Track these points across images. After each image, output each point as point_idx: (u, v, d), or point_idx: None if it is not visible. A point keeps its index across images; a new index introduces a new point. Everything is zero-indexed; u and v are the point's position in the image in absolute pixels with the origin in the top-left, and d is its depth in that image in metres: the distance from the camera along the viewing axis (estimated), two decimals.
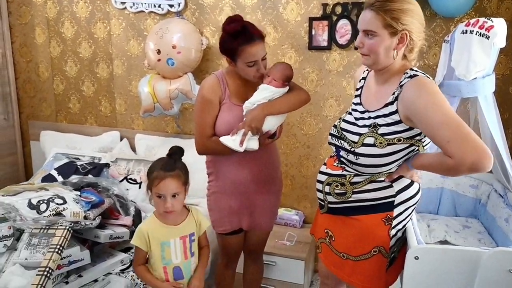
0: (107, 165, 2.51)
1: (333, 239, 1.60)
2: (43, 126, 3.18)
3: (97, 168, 2.44)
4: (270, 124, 1.72)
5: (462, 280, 1.37)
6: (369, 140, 1.40)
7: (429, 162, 1.37)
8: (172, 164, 1.60)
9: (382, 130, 1.39)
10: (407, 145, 1.39)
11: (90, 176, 2.35)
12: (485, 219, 2.12)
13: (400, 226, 1.51)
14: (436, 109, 1.28)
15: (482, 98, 1.82)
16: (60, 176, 2.39)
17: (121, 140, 2.98)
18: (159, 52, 2.50)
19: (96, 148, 2.93)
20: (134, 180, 2.59)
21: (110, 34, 2.91)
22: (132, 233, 2.05)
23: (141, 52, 2.86)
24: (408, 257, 1.41)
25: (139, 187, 2.58)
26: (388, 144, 1.38)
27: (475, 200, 2.22)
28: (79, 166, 2.44)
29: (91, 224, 1.69)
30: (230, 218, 1.90)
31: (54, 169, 2.46)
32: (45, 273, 1.41)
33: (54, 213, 1.67)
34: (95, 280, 1.76)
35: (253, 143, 1.70)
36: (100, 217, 1.79)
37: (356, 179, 1.49)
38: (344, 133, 1.51)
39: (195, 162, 2.68)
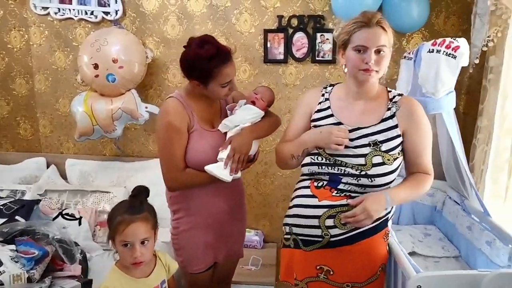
0: (37, 202, 2.11)
1: (331, 273, 1.49)
2: None
3: (26, 206, 2.03)
4: (253, 148, 1.62)
5: None
6: (377, 159, 1.40)
7: (405, 194, 1.45)
8: (138, 205, 1.39)
9: (384, 147, 1.41)
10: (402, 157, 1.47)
11: (18, 218, 1.94)
12: (442, 225, 2.21)
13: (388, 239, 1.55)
14: (429, 129, 1.45)
15: (446, 113, 1.88)
16: None
17: (47, 167, 2.56)
18: (96, 66, 2.18)
19: (17, 178, 2.48)
20: (72, 215, 2.22)
21: (29, 44, 2.47)
22: (83, 285, 1.75)
23: (69, 66, 2.48)
24: (409, 287, 1.37)
25: (79, 224, 2.21)
26: (394, 159, 1.42)
27: (431, 208, 2.31)
28: (1, 206, 2.01)
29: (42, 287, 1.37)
30: (205, 255, 1.73)
31: None
32: None
33: None
34: None
35: (238, 172, 1.58)
36: (50, 277, 1.46)
37: None
38: (339, 159, 1.42)
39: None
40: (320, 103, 1.54)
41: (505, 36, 1.85)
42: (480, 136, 2.02)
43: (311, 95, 1.59)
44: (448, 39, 1.76)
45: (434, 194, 2.27)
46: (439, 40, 1.79)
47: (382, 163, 1.39)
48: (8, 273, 1.37)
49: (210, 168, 1.53)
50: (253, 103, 1.63)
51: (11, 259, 1.42)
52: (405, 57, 2.04)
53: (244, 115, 1.60)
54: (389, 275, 1.60)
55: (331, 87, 1.58)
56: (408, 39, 2.30)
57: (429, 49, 1.81)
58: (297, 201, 1.53)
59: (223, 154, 1.54)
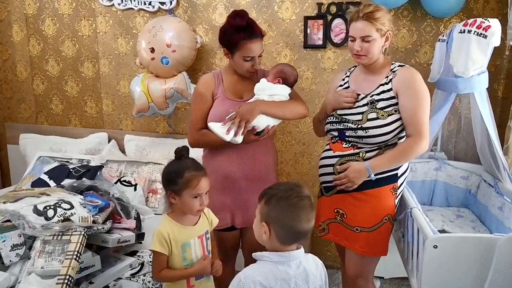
0: (101, 167, 2.42)
1: (345, 216, 1.78)
2: (22, 129, 3.01)
3: (91, 171, 2.34)
4: (260, 121, 1.73)
5: (478, 266, 1.45)
6: (372, 115, 1.69)
7: (387, 162, 1.70)
8: (197, 162, 1.57)
9: (380, 105, 1.70)
10: (399, 115, 1.69)
11: (84, 179, 2.25)
12: (476, 208, 2.24)
13: (400, 196, 1.79)
14: (424, 93, 1.67)
15: (478, 94, 1.93)
16: (51, 181, 2.27)
17: (109, 141, 2.89)
18: (153, 50, 2.45)
19: (83, 150, 2.83)
20: (129, 182, 2.51)
21: (96, 32, 2.81)
22: (137, 236, 2.01)
23: (129, 51, 2.78)
24: (427, 246, 1.48)
25: (135, 189, 2.51)
26: (388, 115, 1.69)
27: (465, 191, 2.33)
28: (71, 170, 2.34)
29: (103, 228, 1.63)
30: (223, 215, 1.89)
31: (44, 173, 2.34)
32: (66, 281, 1.34)
33: (63, 218, 1.59)
34: (106, 286, 1.70)
35: (237, 136, 1.68)
36: (110, 221, 1.73)
37: (368, 155, 1.72)
38: (344, 117, 1.76)
39: None
40: (343, 79, 1.90)
41: None
42: None
43: (338, 76, 1.96)
44: (479, 19, 1.81)
45: (468, 178, 2.30)
46: (470, 21, 1.85)
47: (376, 118, 1.68)
48: (78, 215, 1.64)
49: (211, 124, 1.70)
50: (279, 81, 1.80)
51: (81, 204, 1.70)
52: (439, 39, 2.10)
53: (264, 89, 1.75)
54: (410, 236, 1.72)
55: (354, 67, 1.91)
56: (446, 24, 2.34)
57: (461, 30, 1.88)
58: (321, 155, 1.88)
59: (230, 115, 1.70)
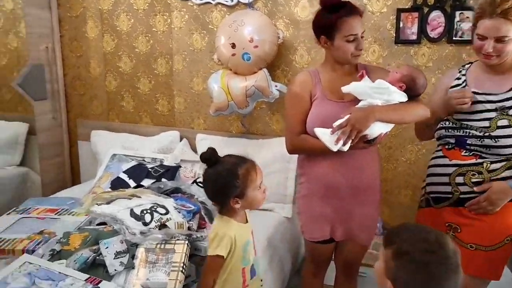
0: (179, 168, 2.33)
1: (458, 230, 1.61)
2: (93, 126, 2.99)
3: (170, 171, 2.26)
4: (373, 129, 1.53)
5: None
6: (503, 122, 1.50)
7: None
8: (235, 155, 1.46)
9: None
10: None
11: (164, 180, 2.16)
12: None
13: None
14: None
15: None
16: (131, 180, 2.20)
17: (180, 140, 2.80)
18: (233, 46, 2.32)
19: (155, 149, 2.75)
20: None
21: (171, 27, 2.73)
22: None
23: (205, 47, 2.68)
24: None
25: None
26: None
27: None
28: (150, 169, 2.25)
29: (201, 236, 1.51)
30: (322, 226, 1.74)
31: (123, 172, 2.28)
32: None
33: (159, 224, 1.49)
34: None
35: (345, 145, 1.51)
36: (206, 228, 1.61)
37: (493, 166, 1.54)
38: (465, 123, 1.57)
39: (267, 165, 2.54)
40: (457, 78, 1.68)
41: None
42: None
43: (449, 75, 1.75)
44: None
45: None
46: None
47: (508, 126, 1.49)
48: (173, 220, 1.53)
49: (318, 131, 1.54)
50: (401, 87, 1.57)
51: (175, 209, 1.60)
52: None
53: (371, 90, 1.53)
54: None
55: (469, 64, 1.71)
56: None
57: None
58: (431, 162, 1.71)
59: (339, 121, 1.52)
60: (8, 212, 2.03)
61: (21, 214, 1.98)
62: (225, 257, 1.37)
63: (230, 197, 1.36)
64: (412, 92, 1.59)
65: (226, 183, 1.35)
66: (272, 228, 2.26)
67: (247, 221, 1.48)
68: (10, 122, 3.03)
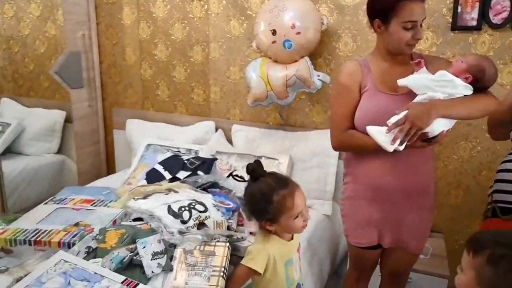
0: (215, 160, 2.24)
1: None
2: (128, 114, 2.96)
3: (206, 163, 2.17)
4: (435, 126, 1.36)
5: None
6: None
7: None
8: (279, 176, 1.35)
9: None
10: None
11: (200, 173, 2.08)
12: None
13: None
14: None
15: None
16: (166, 172, 2.13)
17: (215, 131, 2.72)
18: (274, 32, 2.19)
19: (190, 139, 2.68)
20: (241, 177, 2.31)
21: (208, 13, 2.62)
22: None
23: (242, 34, 2.56)
24: None
25: None
26: None
27: None
28: (185, 161, 2.18)
29: (242, 238, 1.42)
30: (368, 231, 1.60)
31: (158, 163, 2.22)
32: None
33: (198, 222, 1.41)
34: None
35: (402, 144, 1.36)
36: (243, 225, 1.52)
37: None
38: None
39: (306, 160, 2.42)
40: None
41: None
42: None
43: None
44: None
45: None
46: None
47: None
48: (212, 219, 1.45)
49: (371, 129, 1.38)
50: (467, 78, 1.38)
51: (214, 206, 1.51)
52: None
53: (432, 83, 1.36)
54: None
55: None
56: None
57: None
58: (501, 167, 1.53)
59: (395, 118, 1.35)
60: (45, 202, 2.01)
61: (57, 204, 1.95)
62: (260, 272, 1.28)
63: (263, 219, 1.30)
64: (480, 84, 1.40)
65: (258, 206, 1.29)
66: (312, 227, 2.14)
67: (292, 238, 1.37)
68: (48, 110, 3.04)
